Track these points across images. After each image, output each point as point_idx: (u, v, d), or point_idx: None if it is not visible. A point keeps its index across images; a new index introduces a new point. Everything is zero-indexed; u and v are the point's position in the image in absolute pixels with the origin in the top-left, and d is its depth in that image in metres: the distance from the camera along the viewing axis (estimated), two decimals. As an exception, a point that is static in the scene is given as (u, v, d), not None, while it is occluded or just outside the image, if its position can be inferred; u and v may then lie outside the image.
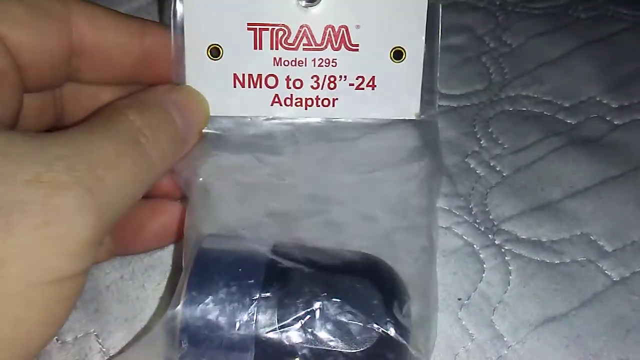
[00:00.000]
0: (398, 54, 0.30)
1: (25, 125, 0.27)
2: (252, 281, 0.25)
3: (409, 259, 0.28)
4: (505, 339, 0.29)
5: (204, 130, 0.30)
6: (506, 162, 0.36)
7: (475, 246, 0.32)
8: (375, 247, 0.28)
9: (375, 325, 0.24)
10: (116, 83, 0.29)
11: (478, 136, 0.37)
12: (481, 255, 0.32)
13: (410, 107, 0.30)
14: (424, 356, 0.25)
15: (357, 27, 0.29)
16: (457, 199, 0.34)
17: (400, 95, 0.30)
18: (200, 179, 0.29)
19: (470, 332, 0.30)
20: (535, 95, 0.39)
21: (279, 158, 0.30)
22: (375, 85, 0.30)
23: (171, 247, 0.32)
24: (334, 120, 0.31)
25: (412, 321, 0.25)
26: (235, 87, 0.30)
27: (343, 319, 0.24)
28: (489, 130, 0.38)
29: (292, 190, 0.30)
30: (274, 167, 0.30)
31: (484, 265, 0.31)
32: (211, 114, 0.30)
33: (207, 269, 0.25)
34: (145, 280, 0.31)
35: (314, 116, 0.30)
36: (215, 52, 0.29)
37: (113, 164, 0.23)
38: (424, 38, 0.29)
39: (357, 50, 0.29)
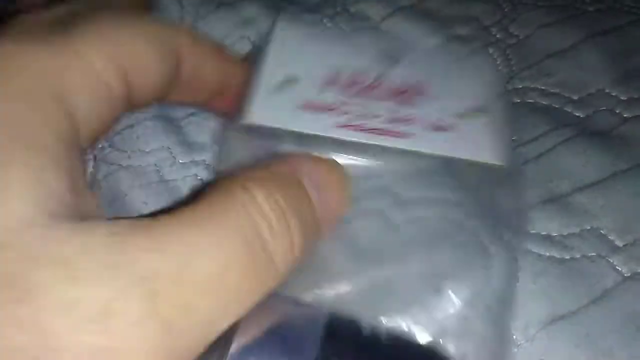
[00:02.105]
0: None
1: None
2: None
3: (485, 352, 0.25)
4: (514, 337, 0.29)
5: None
6: (514, 154, 0.35)
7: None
8: (443, 334, 0.25)
9: None
10: (190, 105, 0.29)
11: (485, 129, 0.37)
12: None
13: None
14: None
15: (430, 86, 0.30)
16: (465, 193, 0.33)
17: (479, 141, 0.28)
18: None
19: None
20: (543, 87, 0.39)
21: None
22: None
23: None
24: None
25: None
26: (304, 111, 0.28)
27: None
28: (496, 123, 0.37)
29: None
30: None
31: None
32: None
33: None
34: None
35: (380, 142, 0.28)
36: (289, 81, 0.29)
37: (212, 285, 0.18)
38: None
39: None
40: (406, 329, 0.24)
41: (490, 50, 0.41)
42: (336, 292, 0.24)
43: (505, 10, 0.44)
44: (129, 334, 0.16)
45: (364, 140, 0.27)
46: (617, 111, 0.37)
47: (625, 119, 0.37)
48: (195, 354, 0.18)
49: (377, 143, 0.27)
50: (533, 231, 0.32)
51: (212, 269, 0.18)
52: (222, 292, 0.18)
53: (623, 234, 0.32)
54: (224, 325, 0.18)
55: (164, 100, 0.27)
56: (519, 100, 0.38)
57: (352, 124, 0.28)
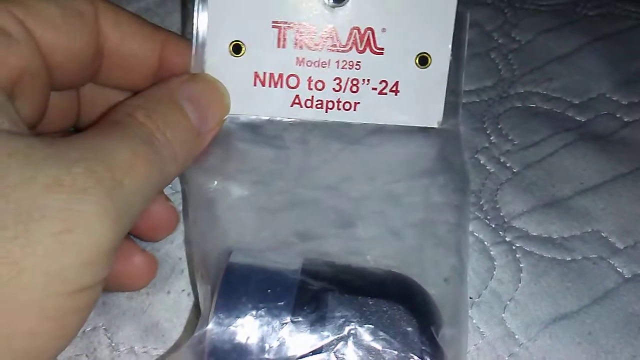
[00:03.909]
0: (423, 60, 0.29)
1: (47, 124, 0.27)
2: (283, 304, 0.24)
3: (439, 278, 0.27)
4: (516, 336, 0.29)
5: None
6: (516, 158, 0.36)
7: (486, 243, 0.32)
8: (404, 265, 0.27)
9: (410, 354, 0.24)
10: (131, 89, 0.29)
11: (488, 132, 0.37)
12: (492, 253, 0.32)
13: (433, 115, 0.30)
14: None
15: (384, 30, 0.29)
16: (468, 195, 0.34)
17: (423, 102, 0.30)
18: (215, 192, 0.28)
19: (481, 330, 0.29)
20: (545, 92, 0.39)
21: (297, 164, 0.30)
22: (399, 91, 0.30)
23: (179, 241, 0.32)
24: (353, 123, 0.30)
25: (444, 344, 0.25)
26: (255, 85, 0.29)
27: (376, 346, 0.24)
28: (499, 127, 0.37)
29: (315, 204, 0.29)
30: (293, 174, 0.30)
31: (495, 263, 0.31)
32: (229, 113, 0.29)
33: (235, 288, 0.24)
34: (153, 274, 0.31)
35: (334, 119, 0.30)
36: (237, 48, 0.29)
37: (130, 167, 0.22)
38: (450, 46, 0.29)
39: (382, 54, 0.29)
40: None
41: (492, 55, 0.42)
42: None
43: (507, 15, 0.44)
44: (80, 199, 0.20)
45: (316, 118, 0.30)
46: (618, 115, 0.38)
47: (626, 123, 0.38)
48: (135, 216, 0.23)
49: (326, 120, 0.30)
50: (534, 233, 0.32)
51: (126, 158, 0.22)
52: (137, 174, 0.22)
53: (624, 237, 0.32)
54: (148, 193, 0.23)
55: (95, 80, 0.28)
56: (520, 105, 0.39)
57: (304, 99, 0.30)
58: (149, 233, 0.30)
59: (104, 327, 0.29)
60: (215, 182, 0.29)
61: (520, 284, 0.31)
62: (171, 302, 0.30)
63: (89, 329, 0.29)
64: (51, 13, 0.24)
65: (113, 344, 0.29)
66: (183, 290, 0.30)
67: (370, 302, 0.25)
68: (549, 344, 0.29)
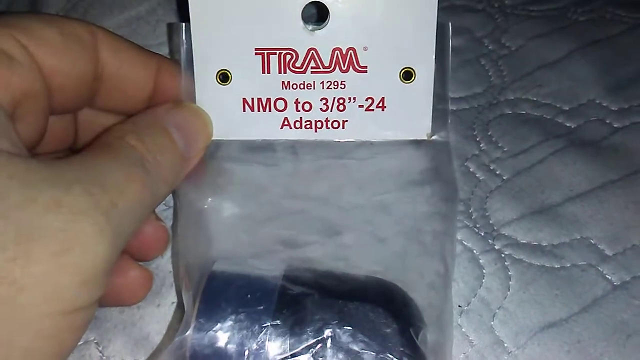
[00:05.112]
0: (408, 75, 0.29)
1: (44, 146, 0.28)
2: (262, 308, 0.24)
3: (423, 284, 0.27)
4: (505, 344, 0.29)
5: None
6: (506, 165, 0.36)
7: (475, 251, 0.32)
8: (388, 271, 0.27)
9: (388, 355, 0.24)
10: (127, 113, 0.29)
11: (477, 139, 0.37)
12: (481, 261, 0.32)
13: (421, 128, 0.30)
14: None
15: (365, 48, 0.29)
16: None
17: (410, 115, 0.30)
18: (206, 206, 0.29)
19: (470, 338, 0.29)
20: (535, 99, 0.39)
21: (286, 178, 0.30)
22: (385, 107, 0.30)
23: (169, 255, 0.32)
24: (343, 140, 0.31)
25: (428, 348, 0.25)
26: (244, 111, 0.30)
27: (355, 347, 0.24)
28: (489, 134, 0.38)
29: (302, 214, 0.30)
30: (282, 188, 0.30)
31: (484, 271, 0.31)
32: (221, 138, 0.30)
33: (216, 294, 0.25)
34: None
35: (324, 138, 0.30)
36: (224, 77, 0.29)
37: (124, 188, 0.23)
38: (433, 58, 0.29)
39: (365, 71, 0.29)
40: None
41: (483, 62, 0.42)
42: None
43: (498, 21, 0.44)
44: (78, 220, 0.20)
45: (306, 138, 0.31)
46: (608, 121, 0.38)
47: (616, 129, 0.38)
48: (128, 237, 0.23)
49: (317, 139, 0.30)
50: (523, 241, 0.32)
51: (120, 180, 0.23)
52: (131, 196, 0.23)
53: (613, 244, 0.33)
54: (140, 215, 0.24)
55: (93, 104, 0.28)
56: (510, 112, 0.39)
57: (292, 121, 0.30)
58: (140, 253, 0.30)
59: (95, 341, 0.30)
60: (209, 199, 0.29)
61: (509, 292, 0.31)
62: (161, 315, 0.30)
63: (80, 343, 0.29)
64: (53, 38, 0.25)
65: (104, 357, 0.29)
66: (173, 302, 0.30)
67: (350, 305, 0.25)
68: (538, 352, 0.29)
